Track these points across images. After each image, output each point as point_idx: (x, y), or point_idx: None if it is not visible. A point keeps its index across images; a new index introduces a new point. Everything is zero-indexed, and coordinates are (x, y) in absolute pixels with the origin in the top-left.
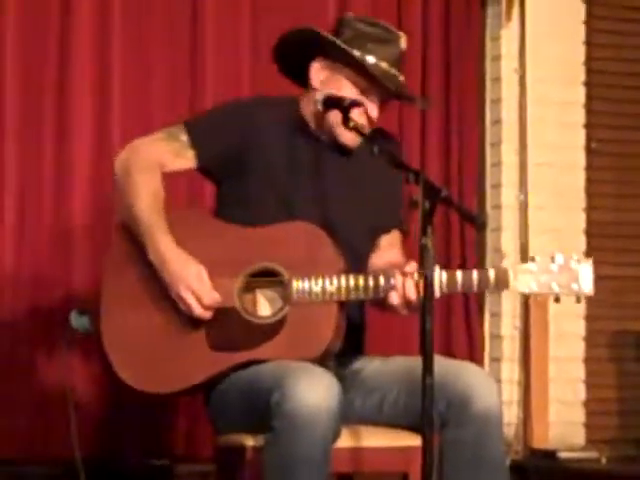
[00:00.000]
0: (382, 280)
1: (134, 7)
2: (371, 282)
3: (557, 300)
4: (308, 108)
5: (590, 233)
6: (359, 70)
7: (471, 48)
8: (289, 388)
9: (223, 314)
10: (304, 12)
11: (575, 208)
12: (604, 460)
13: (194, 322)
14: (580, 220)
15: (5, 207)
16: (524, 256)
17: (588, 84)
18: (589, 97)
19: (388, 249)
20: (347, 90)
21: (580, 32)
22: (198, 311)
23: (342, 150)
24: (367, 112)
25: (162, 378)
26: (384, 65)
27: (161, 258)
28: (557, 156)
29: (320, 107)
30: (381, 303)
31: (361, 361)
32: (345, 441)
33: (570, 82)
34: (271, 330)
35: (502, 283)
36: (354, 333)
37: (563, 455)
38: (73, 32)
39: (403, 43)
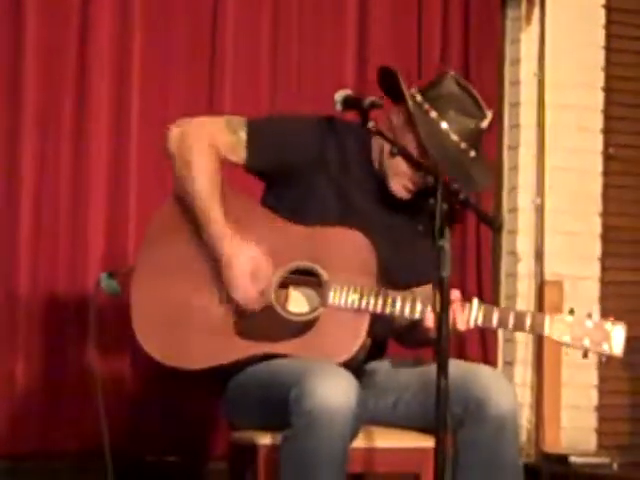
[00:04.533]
0: (419, 301)
1: (154, 14)
2: (409, 300)
3: (585, 355)
4: (378, 144)
5: (606, 238)
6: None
7: (490, 51)
8: (309, 385)
9: None
10: (323, 16)
11: (591, 213)
12: (615, 466)
13: (226, 305)
14: (596, 225)
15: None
16: (539, 259)
17: (607, 89)
18: (608, 102)
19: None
20: (411, 145)
21: (600, 37)
22: (250, 294)
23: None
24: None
25: (181, 354)
26: (454, 137)
27: (213, 238)
28: (574, 161)
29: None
30: (410, 329)
31: (376, 362)
32: (357, 441)
33: (589, 87)
34: (300, 328)
35: (537, 328)
36: (377, 347)
37: (575, 460)
38: (92, 31)
39: (485, 123)
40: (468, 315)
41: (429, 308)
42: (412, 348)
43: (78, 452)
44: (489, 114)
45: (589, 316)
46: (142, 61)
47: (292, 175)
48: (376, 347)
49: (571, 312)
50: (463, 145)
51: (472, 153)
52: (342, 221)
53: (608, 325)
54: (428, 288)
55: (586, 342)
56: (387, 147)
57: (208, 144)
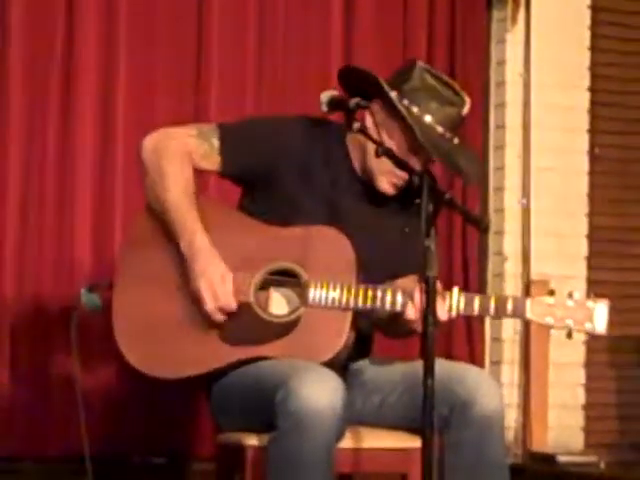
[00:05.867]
0: (400, 294)
1: (140, 17)
2: (389, 294)
3: (569, 335)
4: (355, 141)
5: (592, 238)
6: (410, 130)
7: (476, 52)
8: (294, 387)
9: (237, 308)
10: (309, 18)
11: (577, 213)
12: (603, 464)
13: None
14: (582, 225)
15: (7, 212)
16: (526, 259)
17: (592, 89)
18: (593, 102)
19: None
20: (396, 142)
21: (585, 37)
22: (210, 306)
23: (378, 193)
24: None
25: (166, 363)
26: (439, 129)
27: (192, 248)
28: (560, 161)
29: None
30: (391, 321)
31: (362, 361)
32: (345, 442)
33: (574, 87)
34: (283, 329)
35: (519, 312)
36: (362, 343)
37: (562, 459)
38: (78, 35)
39: (466, 109)
40: (449, 304)
41: (409, 301)
42: (394, 339)
43: (62, 456)
44: (468, 99)
45: (570, 295)
46: (127, 63)
47: (272, 178)
48: (361, 344)
49: (551, 293)
50: (448, 135)
51: (456, 140)
52: (329, 224)
53: (590, 303)
54: (408, 280)
55: (569, 322)
56: (370, 147)
57: (181, 153)
